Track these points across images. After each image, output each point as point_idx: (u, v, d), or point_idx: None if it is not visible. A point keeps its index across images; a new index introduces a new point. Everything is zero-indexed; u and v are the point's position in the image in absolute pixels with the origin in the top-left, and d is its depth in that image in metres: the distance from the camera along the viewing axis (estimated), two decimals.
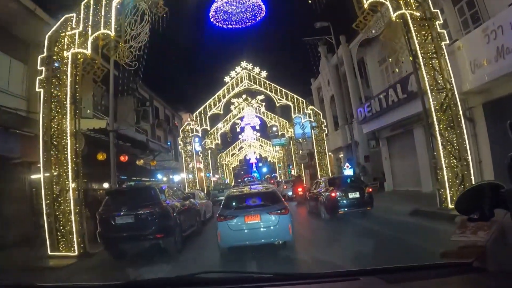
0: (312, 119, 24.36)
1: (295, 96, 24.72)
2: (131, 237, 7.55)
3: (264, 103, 27.68)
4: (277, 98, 24.65)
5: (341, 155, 28.34)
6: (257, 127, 37.13)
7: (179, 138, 24.82)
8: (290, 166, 45.31)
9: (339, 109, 25.86)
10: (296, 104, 24.49)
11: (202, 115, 24.75)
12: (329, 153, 26.29)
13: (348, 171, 21.22)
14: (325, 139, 24.55)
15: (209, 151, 35.43)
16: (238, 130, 36.82)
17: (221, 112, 24.85)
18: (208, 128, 25.01)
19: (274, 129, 41.11)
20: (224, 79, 25.25)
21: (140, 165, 15.91)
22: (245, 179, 54.67)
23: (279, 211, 7.01)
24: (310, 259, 6.57)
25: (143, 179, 18.23)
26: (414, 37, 9.36)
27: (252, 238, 6.93)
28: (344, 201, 10.85)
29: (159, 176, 27.11)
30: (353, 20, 9.85)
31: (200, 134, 25.31)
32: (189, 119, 24.97)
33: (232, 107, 28.44)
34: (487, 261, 1.31)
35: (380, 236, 7.95)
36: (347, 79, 23.14)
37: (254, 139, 46.95)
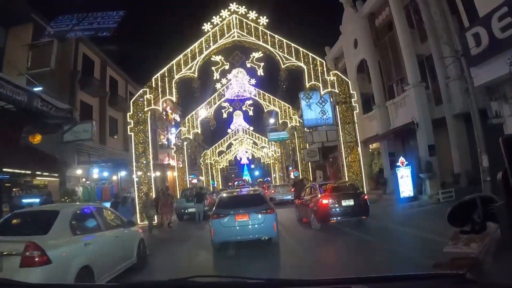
0: (336, 90, 15.66)
1: (309, 54, 15.98)
2: None
3: (262, 63, 18.67)
4: (282, 57, 15.87)
5: (371, 148, 19.68)
6: (249, 111, 28.24)
7: (128, 114, 15.86)
8: (290, 168, 36.35)
9: (375, 79, 17.23)
10: (312, 65, 15.73)
11: (166, 79, 15.90)
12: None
13: (404, 170, 12.58)
14: (356, 121, 15.84)
15: (185, 143, 26.47)
16: (225, 116, 27.93)
17: (195, 75, 15.94)
18: (174, 99, 16.06)
19: (272, 121, 32.50)
20: (203, 28, 16.50)
21: None
22: (235, 183, 46.73)
23: (265, 211, 7.89)
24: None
25: (17, 171, 9.26)
26: None
27: (242, 234, 7.85)
28: (337, 209, 9.88)
29: (105, 172, 17.99)
30: None
31: (160, 107, 16.37)
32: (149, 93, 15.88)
33: (214, 71, 19.26)
34: (479, 273, 1.22)
35: None
36: (396, 26, 14.59)
37: (246, 131, 38.09)
